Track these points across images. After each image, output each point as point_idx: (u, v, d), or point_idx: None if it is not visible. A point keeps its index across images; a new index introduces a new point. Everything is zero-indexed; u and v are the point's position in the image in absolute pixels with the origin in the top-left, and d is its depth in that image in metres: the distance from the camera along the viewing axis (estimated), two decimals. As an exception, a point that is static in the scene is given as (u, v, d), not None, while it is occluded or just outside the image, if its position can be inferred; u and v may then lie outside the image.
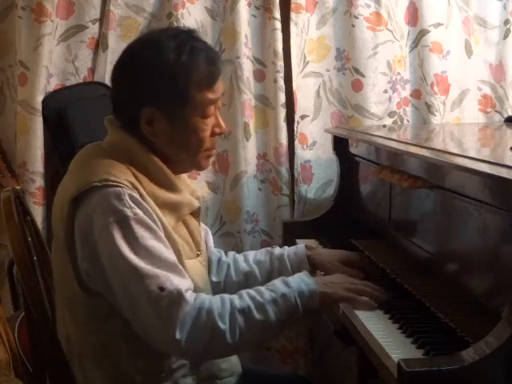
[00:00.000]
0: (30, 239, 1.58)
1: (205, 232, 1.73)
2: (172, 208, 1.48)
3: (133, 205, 1.37)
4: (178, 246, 1.46)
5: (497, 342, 1.13)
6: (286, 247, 1.78)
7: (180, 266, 1.40)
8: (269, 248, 1.78)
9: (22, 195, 1.99)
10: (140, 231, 1.36)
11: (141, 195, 1.41)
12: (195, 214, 1.57)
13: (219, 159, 2.55)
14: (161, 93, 1.45)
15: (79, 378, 1.49)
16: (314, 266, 1.72)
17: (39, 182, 2.39)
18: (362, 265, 1.74)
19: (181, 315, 1.33)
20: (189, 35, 1.50)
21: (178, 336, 1.32)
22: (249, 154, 2.50)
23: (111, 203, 1.36)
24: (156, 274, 1.34)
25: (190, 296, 1.36)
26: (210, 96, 1.48)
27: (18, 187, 2.17)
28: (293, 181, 2.56)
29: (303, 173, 2.57)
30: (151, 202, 1.43)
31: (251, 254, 1.77)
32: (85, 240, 1.38)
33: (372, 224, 2.10)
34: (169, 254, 1.39)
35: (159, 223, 1.41)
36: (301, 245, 1.79)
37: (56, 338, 1.48)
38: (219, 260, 1.76)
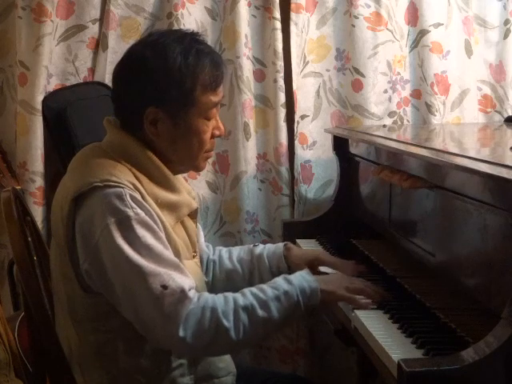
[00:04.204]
0: (30, 239, 1.58)
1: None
2: (172, 208, 1.49)
3: (134, 205, 1.37)
4: (178, 246, 1.47)
5: (497, 341, 1.13)
6: (267, 246, 1.79)
7: (182, 265, 1.40)
8: (251, 246, 1.80)
9: (22, 195, 1.98)
10: (141, 231, 1.36)
11: (142, 196, 1.41)
12: (192, 215, 1.58)
13: (219, 159, 2.55)
14: (166, 94, 1.45)
15: (78, 378, 1.49)
16: (288, 266, 1.73)
17: (39, 181, 2.39)
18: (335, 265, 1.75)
19: (184, 313, 1.33)
20: (193, 38, 1.51)
21: (181, 334, 1.32)
22: (249, 154, 2.50)
23: (112, 203, 1.36)
24: (158, 272, 1.34)
25: (193, 294, 1.36)
26: (214, 99, 1.50)
27: (18, 187, 2.17)
28: (293, 181, 2.56)
29: (303, 173, 2.57)
30: (152, 202, 1.43)
31: (235, 252, 1.78)
32: (86, 241, 1.37)
33: (372, 224, 2.10)
34: (170, 254, 1.39)
35: (160, 224, 1.42)
36: (280, 244, 1.79)
37: (56, 338, 1.48)
38: (208, 259, 1.77)
